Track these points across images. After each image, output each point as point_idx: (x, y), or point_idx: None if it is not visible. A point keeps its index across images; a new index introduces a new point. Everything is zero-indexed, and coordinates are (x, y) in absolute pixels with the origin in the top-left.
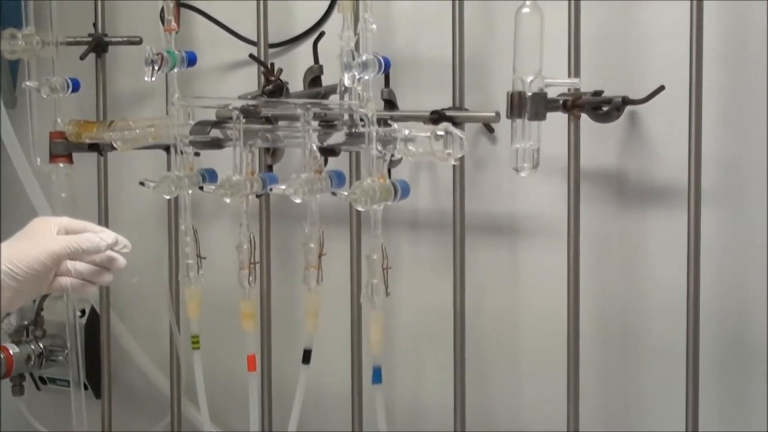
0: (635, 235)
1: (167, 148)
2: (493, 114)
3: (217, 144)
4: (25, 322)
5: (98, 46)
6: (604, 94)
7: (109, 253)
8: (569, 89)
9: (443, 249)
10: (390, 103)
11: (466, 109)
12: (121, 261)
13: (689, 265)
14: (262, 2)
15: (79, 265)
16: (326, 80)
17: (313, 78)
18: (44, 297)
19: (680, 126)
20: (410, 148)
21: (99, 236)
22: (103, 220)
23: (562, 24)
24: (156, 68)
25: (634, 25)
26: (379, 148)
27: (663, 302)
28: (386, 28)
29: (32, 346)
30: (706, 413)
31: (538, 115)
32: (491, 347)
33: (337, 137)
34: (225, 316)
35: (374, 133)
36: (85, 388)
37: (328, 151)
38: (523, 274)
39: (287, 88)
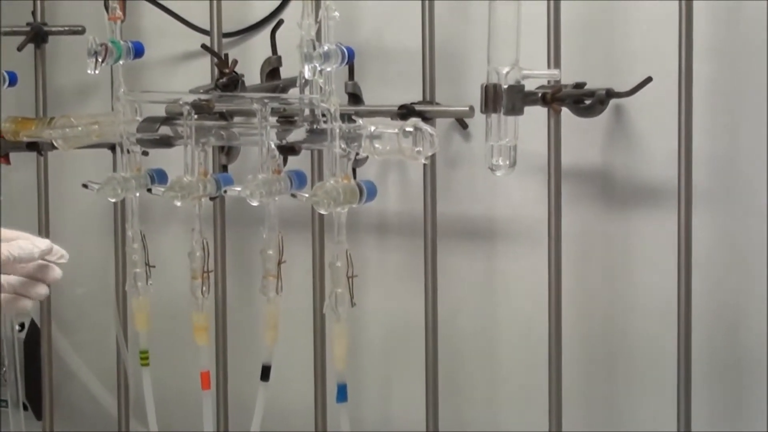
0: (621, 238)
1: (112, 147)
2: (467, 108)
3: (166, 142)
4: None
5: (37, 36)
6: (586, 87)
7: (43, 261)
8: (549, 81)
9: (414, 255)
10: (354, 97)
11: (437, 104)
12: (57, 272)
13: (680, 270)
14: None
15: (11, 278)
16: (285, 72)
17: (271, 70)
18: None
19: (669, 120)
20: (377, 145)
21: (32, 242)
22: (44, 225)
23: (540, 11)
24: (100, 60)
25: (619, 12)
26: (342, 145)
27: (652, 309)
28: (350, 15)
29: None
30: (697, 425)
31: (515, 110)
32: (467, 360)
33: (297, 134)
34: (176, 329)
35: (337, 130)
36: (25, 408)
37: (287, 150)
38: (501, 281)
39: (243, 81)
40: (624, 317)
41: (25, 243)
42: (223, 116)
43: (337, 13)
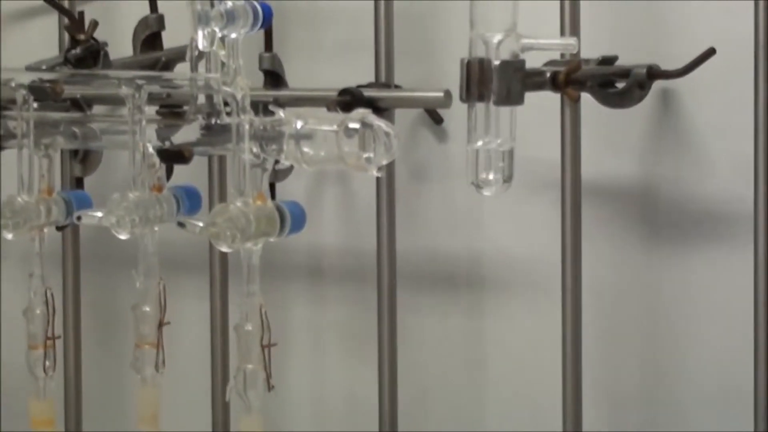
0: (669, 286)
1: None
2: (440, 94)
3: None
4: None
5: None
6: (617, 63)
7: None
8: (562, 55)
9: (363, 312)
10: (274, 77)
11: (397, 87)
12: None
13: (758, 329)
14: None
15: None
16: (169, 40)
17: (149, 36)
18: None
19: (739, 112)
20: (306, 149)
21: None
22: None
23: None
24: None
25: None
26: (255, 149)
27: (712, 388)
28: None
29: None
30: None
31: (512, 97)
32: None
33: (187, 133)
34: (6, 422)
35: (247, 126)
36: None
37: (172, 156)
38: (492, 348)
39: (106, 53)
40: (672, 399)
41: None
42: (77, 105)
43: None
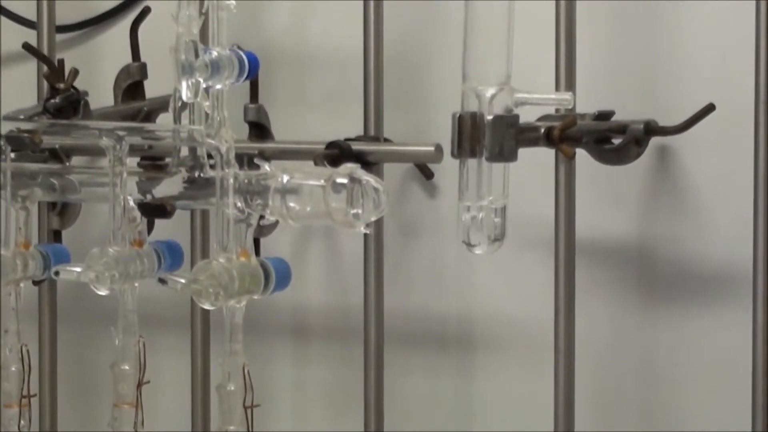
0: (666, 347)
1: None
2: (431, 149)
3: None
4: None
5: None
6: (614, 118)
7: None
8: (557, 110)
9: (349, 371)
10: (259, 129)
11: (386, 140)
12: None
13: (756, 394)
14: None
15: None
16: (151, 90)
17: (131, 85)
18: None
19: (739, 169)
20: (292, 204)
21: None
22: None
23: (546, 6)
24: None
25: (663, 10)
26: (239, 204)
27: None
28: (255, 6)
29: None
30: None
31: (505, 153)
32: None
33: (169, 186)
34: None
35: (231, 180)
36: None
37: (154, 210)
38: (484, 411)
39: (86, 102)
40: None
41: None
42: (56, 156)
43: (233, 1)
